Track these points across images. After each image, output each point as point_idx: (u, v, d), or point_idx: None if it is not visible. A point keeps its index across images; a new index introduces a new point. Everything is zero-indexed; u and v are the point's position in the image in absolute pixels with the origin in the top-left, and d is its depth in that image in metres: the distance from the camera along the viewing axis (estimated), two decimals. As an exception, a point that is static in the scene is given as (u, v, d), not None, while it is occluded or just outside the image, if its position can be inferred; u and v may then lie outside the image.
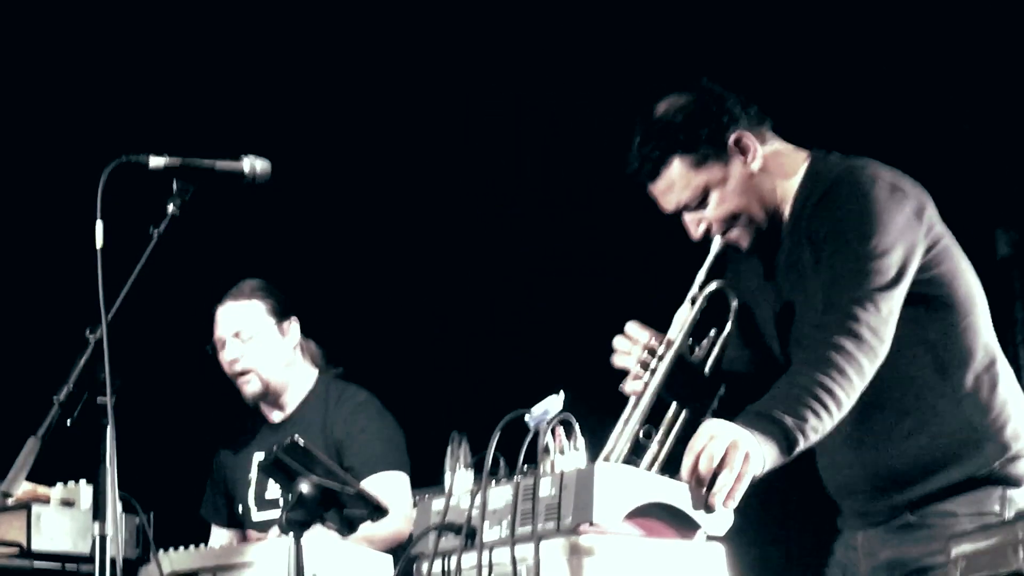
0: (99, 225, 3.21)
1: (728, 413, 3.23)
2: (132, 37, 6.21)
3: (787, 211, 3.58)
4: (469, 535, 3.16)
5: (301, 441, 3.53)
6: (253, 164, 3.45)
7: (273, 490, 5.02)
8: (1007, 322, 3.62)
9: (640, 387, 3.51)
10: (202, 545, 4.23)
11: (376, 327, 6.39)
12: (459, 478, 3.26)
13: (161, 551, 4.19)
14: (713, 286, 3.57)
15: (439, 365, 6.32)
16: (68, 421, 3.19)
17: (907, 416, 3.49)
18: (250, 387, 5.04)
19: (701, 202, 3.56)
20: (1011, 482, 3.45)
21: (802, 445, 3.23)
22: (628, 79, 5.66)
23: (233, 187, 3.42)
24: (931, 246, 3.47)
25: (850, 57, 5.61)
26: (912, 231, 3.43)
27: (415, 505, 4.71)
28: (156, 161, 3.34)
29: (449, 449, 3.29)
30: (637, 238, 5.66)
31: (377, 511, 3.61)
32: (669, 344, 3.53)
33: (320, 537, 4.09)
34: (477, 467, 3.23)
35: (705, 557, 3.09)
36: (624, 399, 3.53)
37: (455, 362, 6.32)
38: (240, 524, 5.13)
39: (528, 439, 3.15)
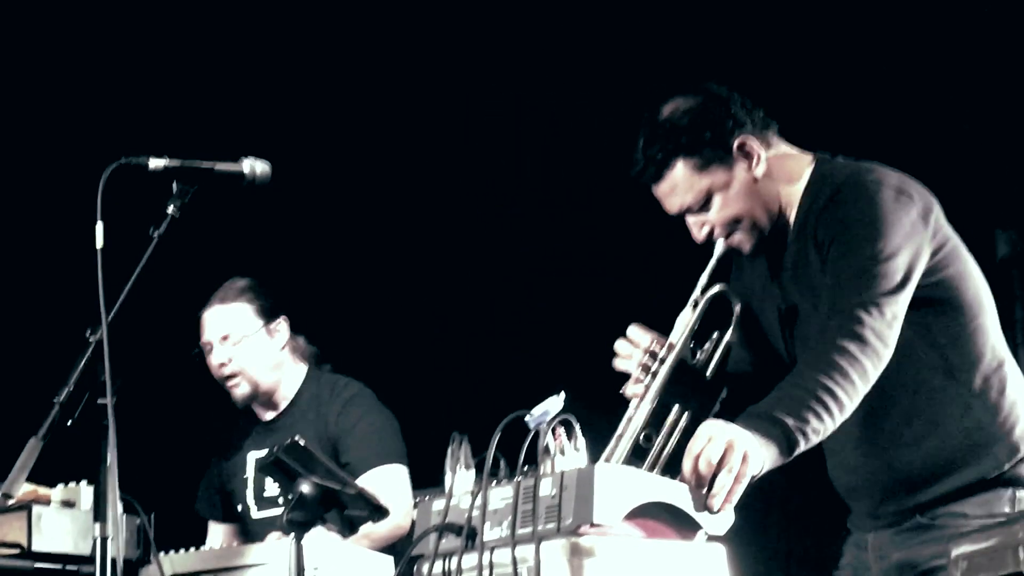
0: (99, 226, 3.21)
1: (731, 415, 3.22)
2: (132, 39, 6.21)
3: (792, 215, 3.57)
4: (470, 536, 3.16)
5: (302, 441, 3.53)
6: (253, 166, 3.45)
7: (272, 488, 5.02)
8: (1007, 323, 3.61)
9: (641, 391, 3.51)
10: (203, 546, 4.24)
11: (376, 328, 6.39)
12: (459, 479, 3.26)
13: (162, 552, 4.20)
14: (715, 290, 3.57)
15: (439, 365, 6.32)
16: (68, 422, 3.19)
17: (916, 419, 3.48)
18: (239, 390, 5.03)
19: (704, 205, 3.55)
20: (1021, 483, 3.45)
21: (803, 446, 3.22)
22: (631, 79, 5.67)
23: (233, 189, 3.42)
24: (937, 249, 3.46)
25: (851, 58, 5.62)
26: (918, 235, 3.42)
27: (416, 506, 4.72)
28: (156, 163, 3.34)
29: (450, 450, 3.29)
30: (639, 239, 5.67)
31: (377, 511, 3.61)
32: (671, 348, 3.52)
33: (320, 537, 4.10)
34: (478, 468, 3.23)
35: (706, 558, 3.09)
36: (625, 400, 3.53)
37: (455, 362, 6.32)
38: (237, 520, 5.13)
39: (528, 440, 3.15)
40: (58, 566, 4.11)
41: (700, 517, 3.10)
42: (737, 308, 3.58)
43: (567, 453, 3.12)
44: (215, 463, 5.19)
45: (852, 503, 3.66)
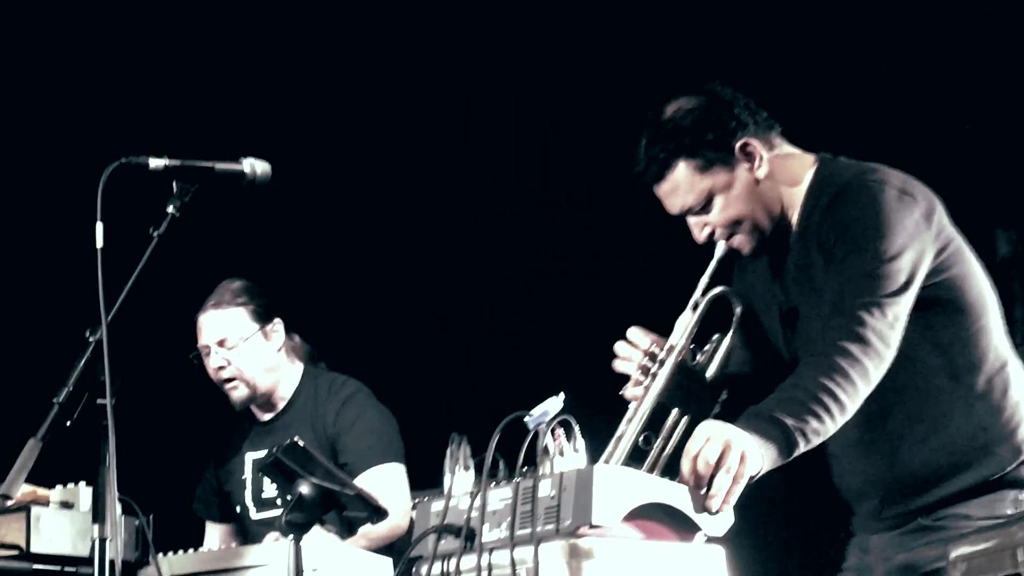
0: (99, 226, 3.20)
1: (731, 416, 3.22)
2: (132, 39, 6.21)
3: (795, 216, 3.56)
4: (468, 537, 3.16)
5: (300, 442, 3.52)
6: (253, 166, 3.44)
7: (270, 489, 5.02)
8: (1007, 323, 3.60)
9: (641, 393, 3.50)
10: (201, 548, 4.23)
11: (376, 328, 6.39)
12: (459, 479, 3.26)
13: (160, 554, 4.20)
14: (716, 291, 3.57)
15: (439, 365, 6.32)
16: (68, 423, 3.19)
17: (920, 421, 3.48)
18: (237, 393, 5.02)
19: (705, 206, 3.55)
20: None
21: (802, 447, 3.22)
22: (633, 80, 5.67)
23: (233, 188, 3.42)
24: (941, 250, 3.46)
25: (851, 58, 5.62)
26: (921, 236, 3.42)
27: (415, 506, 4.72)
28: (156, 162, 3.34)
29: (449, 450, 3.29)
30: (640, 239, 5.67)
31: (377, 513, 3.61)
32: (670, 350, 3.52)
33: (319, 539, 4.10)
34: (477, 468, 3.23)
35: (705, 559, 3.09)
36: (624, 401, 3.53)
37: (455, 362, 6.32)
38: (236, 521, 5.13)
39: (528, 440, 3.15)
40: (57, 567, 4.10)
41: (699, 518, 3.10)
42: (738, 310, 3.57)
43: (566, 454, 3.11)
44: (213, 464, 5.19)
45: (855, 505, 3.66)
